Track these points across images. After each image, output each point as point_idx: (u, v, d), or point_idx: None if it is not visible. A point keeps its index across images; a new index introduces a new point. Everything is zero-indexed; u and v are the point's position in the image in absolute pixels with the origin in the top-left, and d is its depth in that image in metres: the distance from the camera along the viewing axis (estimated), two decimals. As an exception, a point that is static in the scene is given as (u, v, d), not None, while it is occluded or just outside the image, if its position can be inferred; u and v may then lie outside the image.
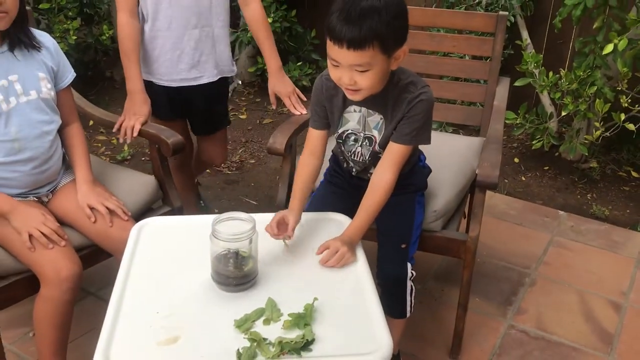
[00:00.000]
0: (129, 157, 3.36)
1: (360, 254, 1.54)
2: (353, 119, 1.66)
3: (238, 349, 1.24)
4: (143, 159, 3.32)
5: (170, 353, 1.24)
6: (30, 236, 1.61)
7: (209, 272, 1.43)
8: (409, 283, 1.71)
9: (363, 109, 1.63)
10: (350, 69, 1.46)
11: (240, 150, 3.49)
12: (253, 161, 3.39)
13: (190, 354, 1.24)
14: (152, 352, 1.24)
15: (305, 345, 1.25)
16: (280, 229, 1.53)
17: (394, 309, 1.72)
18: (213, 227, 1.40)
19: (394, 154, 1.60)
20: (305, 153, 1.71)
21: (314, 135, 1.71)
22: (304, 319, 1.32)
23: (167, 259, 1.52)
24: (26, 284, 1.66)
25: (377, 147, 1.67)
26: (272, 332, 1.29)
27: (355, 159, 1.73)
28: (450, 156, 2.08)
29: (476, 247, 1.82)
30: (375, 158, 1.70)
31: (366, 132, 1.66)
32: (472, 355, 2.04)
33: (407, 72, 1.60)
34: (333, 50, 1.45)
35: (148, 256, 1.53)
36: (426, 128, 1.62)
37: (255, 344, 1.25)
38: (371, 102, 1.60)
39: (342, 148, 1.73)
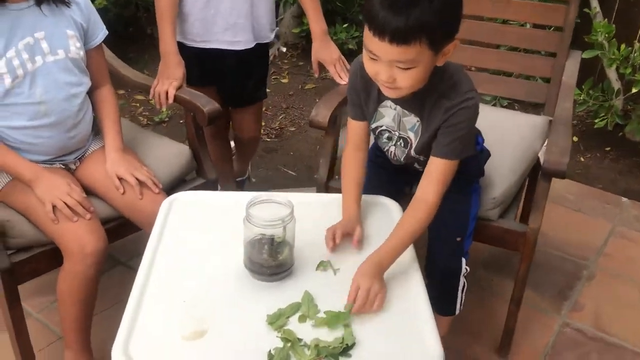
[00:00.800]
0: (166, 119, 3.27)
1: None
2: (388, 115, 1.46)
3: (270, 351, 1.11)
4: (181, 121, 3.21)
5: (195, 350, 1.13)
6: (54, 207, 1.51)
7: (242, 257, 1.31)
8: (462, 279, 1.57)
9: (398, 107, 1.44)
10: (390, 64, 1.25)
11: (281, 117, 3.34)
12: (293, 129, 3.25)
13: (217, 352, 1.12)
14: (175, 348, 1.13)
15: (345, 350, 1.12)
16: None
17: (442, 305, 1.58)
18: (247, 211, 1.26)
19: (435, 170, 1.38)
20: (349, 147, 1.53)
21: (355, 128, 1.51)
22: (341, 319, 1.18)
23: (198, 240, 1.40)
24: (50, 255, 1.57)
25: (412, 152, 1.49)
26: (308, 331, 1.16)
27: (389, 156, 1.57)
28: (510, 136, 1.88)
29: (536, 240, 1.65)
30: (411, 161, 1.53)
31: (401, 132, 1.47)
32: (522, 354, 1.88)
33: (452, 69, 1.37)
34: (372, 42, 1.23)
35: (177, 235, 1.41)
36: (468, 139, 1.42)
37: (289, 344, 1.12)
38: (407, 102, 1.40)
39: (377, 142, 1.57)
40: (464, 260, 1.58)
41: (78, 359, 1.62)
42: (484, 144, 1.66)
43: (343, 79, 1.95)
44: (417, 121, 1.43)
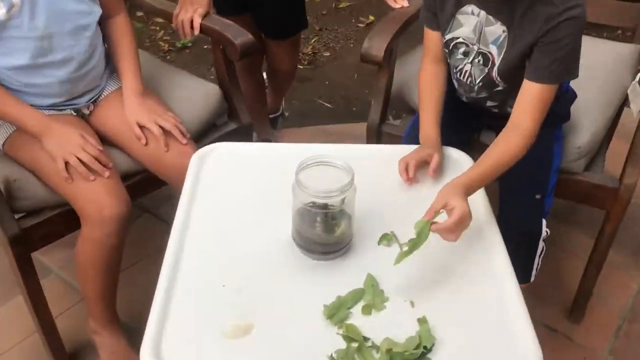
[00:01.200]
0: (190, 45, 3.01)
1: (483, 200, 1.16)
2: (468, 23, 1.23)
3: (331, 355, 0.91)
4: (206, 47, 2.93)
5: (239, 354, 0.93)
6: (67, 164, 1.29)
7: (290, 228, 1.09)
8: (541, 244, 1.35)
9: (482, 13, 1.20)
10: None
11: (313, 40, 3.04)
12: (328, 54, 2.95)
13: (266, 356, 0.92)
14: (217, 350, 0.93)
15: (422, 355, 0.91)
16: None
17: (516, 273, 1.35)
18: (296, 177, 1.03)
19: (530, 95, 1.17)
20: (426, 60, 1.35)
21: (433, 39, 1.32)
22: (423, 235, 1.00)
23: (236, 204, 1.19)
24: (66, 218, 1.36)
25: (494, 74, 1.24)
26: (374, 324, 0.96)
27: (461, 78, 1.32)
28: (595, 70, 1.58)
29: (630, 198, 1.40)
30: (489, 87, 1.29)
31: (481, 46, 1.24)
32: (596, 318, 1.68)
33: None
34: None
35: (211, 199, 1.20)
36: (573, 58, 1.17)
37: (354, 345, 0.92)
38: (493, 6, 1.18)
39: (448, 60, 1.32)
40: (544, 221, 1.35)
41: (103, 329, 1.45)
42: (570, 84, 1.39)
43: (398, 2, 1.65)
44: (503, 31, 1.20)
